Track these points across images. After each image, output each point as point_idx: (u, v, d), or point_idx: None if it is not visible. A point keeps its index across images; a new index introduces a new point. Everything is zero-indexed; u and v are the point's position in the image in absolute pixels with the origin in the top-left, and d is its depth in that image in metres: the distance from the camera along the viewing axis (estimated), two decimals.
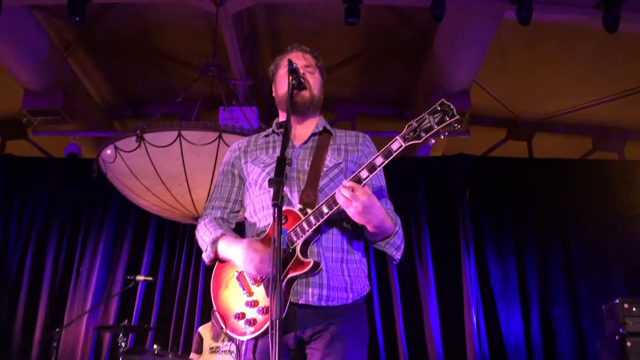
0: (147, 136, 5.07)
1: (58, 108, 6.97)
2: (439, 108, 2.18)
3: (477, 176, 7.68)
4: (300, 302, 2.21)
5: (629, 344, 5.29)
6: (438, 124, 2.17)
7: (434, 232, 7.44)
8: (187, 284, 7.27)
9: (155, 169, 5.21)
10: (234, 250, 2.30)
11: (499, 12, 5.77)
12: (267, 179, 2.38)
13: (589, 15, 5.87)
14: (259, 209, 2.43)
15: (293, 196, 2.33)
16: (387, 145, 2.20)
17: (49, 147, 8.32)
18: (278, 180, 2.01)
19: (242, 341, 2.33)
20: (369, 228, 2.25)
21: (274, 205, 1.97)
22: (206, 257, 2.43)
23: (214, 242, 2.38)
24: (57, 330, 5.29)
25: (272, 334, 1.83)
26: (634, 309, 5.45)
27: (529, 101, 7.59)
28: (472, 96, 6.91)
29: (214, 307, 2.38)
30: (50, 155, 8.34)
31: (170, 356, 5.28)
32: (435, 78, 6.79)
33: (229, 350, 5.57)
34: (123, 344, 5.05)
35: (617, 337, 5.44)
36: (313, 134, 2.50)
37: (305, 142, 2.48)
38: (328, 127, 2.54)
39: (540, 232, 7.48)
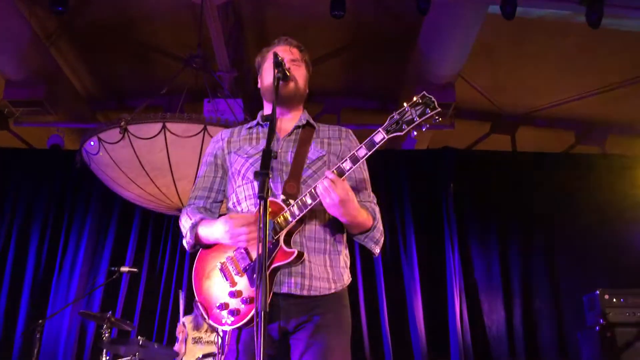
0: (131, 128, 5.04)
1: (40, 99, 6.89)
2: (420, 101, 2.21)
3: (461, 169, 7.74)
4: (282, 292, 2.23)
5: (609, 334, 5.38)
6: (419, 116, 2.20)
7: (418, 225, 7.49)
8: (172, 275, 7.25)
9: (140, 160, 5.19)
10: (214, 228, 2.32)
11: (484, 6, 5.80)
12: (251, 169, 2.41)
13: (573, 11, 5.92)
14: (242, 199, 2.44)
15: (276, 187, 2.34)
16: (370, 137, 2.23)
17: (31, 138, 8.23)
18: (264, 173, 2.03)
19: (225, 331, 2.34)
20: (342, 221, 2.29)
21: (260, 197, 1.98)
22: (186, 243, 2.45)
23: (194, 227, 2.39)
24: (40, 321, 5.25)
25: (257, 324, 1.85)
26: (614, 300, 5.55)
27: (513, 95, 7.65)
28: (456, 90, 6.95)
29: (196, 298, 2.38)
30: (33, 146, 8.26)
31: (155, 346, 5.28)
32: (420, 71, 6.82)
33: (213, 341, 5.58)
34: (107, 334, 5.04)
35: (597, 328, 5.53)
36: (296, 127, 2.52)
37: (289, 135, 2.50)
38: (311, 121, 2.57)
39: (523, 225, 7.56)
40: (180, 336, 5.65)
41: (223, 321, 2.26)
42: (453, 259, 7.24)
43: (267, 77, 2.55)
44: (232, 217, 2.28)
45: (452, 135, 7.73)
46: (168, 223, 7.48)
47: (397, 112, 2.22)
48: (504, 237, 7.52)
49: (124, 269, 5.50)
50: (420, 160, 7.87)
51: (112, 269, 5.51)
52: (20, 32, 6.31)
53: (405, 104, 2.22)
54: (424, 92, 2.22)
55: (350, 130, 2.62)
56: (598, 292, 5.67)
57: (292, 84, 2.49)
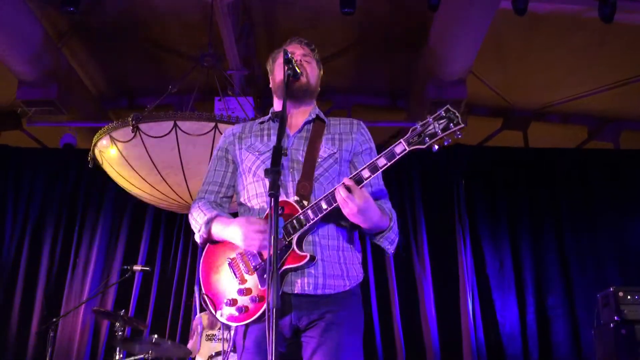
0: (143, 126, 5.05)
1: (53, 98, 6.93)
2: (444, 114, 2.19)
3: (472, 166, 7.71)
4: (295, 292, 2.22)
5: (623, 331, 5.34)
6: (442, 130, 2.18)
7: (430, 222, 7.47)
8: (184, 273, 7.28)
9: (151, 159, 5.20)
10: (230, 229, 2.30)
11: (495, 1, 5.76)
12: (262, 167, 2.40)
13: (585, 5, 5.87)
14: (252, 197, 2.43)
15: (288, 186, 2.33)
16: (391, 148, 2.20)
17: (44, 137, 8.30)
18: (275, 170, 2.01)
19: (232, 327, 2.34)
20: (363, 227, 2.28)
21: (271, 195, 1.97)
22: (199, 237, 2.43)
23: (209, 222, 2.38)
24: (54, 320, 5.28)
25: (269, 320, 1.83)
26: (628, 297, 5.50)
27: (525, 91, 7.60)
28: (467, 86, 6.90)
29: (203, 291, 2.38)
30: (46, 145, 8.32)
31: (169, 343, 5.29)
32: (431, 68, 6.78)
33: (226, 339, 5.59)
34: (120, 333, 5.06)
35: (611, 325, 5.48)
36: (306, 122, 2.50)
37: (299, 131, 2.48)
38: (322, 115, 2.55)
39: (536, 222, 7.51)
40: (194, 333, 5.67)
41: (231, 317, 2.26)
42: (465, 256, 7.21)
43: (278, 74, 2.55)
44: (250, 222, 2.26)
45: (464, 132, 7.66)
46: (180, 221, 7.51)
47: (420, 124, 2.19)
48: (516, 234, 7.48)
49: (137, 267, 5.52)
50: (431, 156, 7.83)
51: (125, 267, 5.54)
52: (32, 33, 6.35)
53: (428, 117, 2.20)
54: (448, 105, 2.20)
55: (362, 122, 2.60)
56: (612, 289, 5.63)
57: (303, 79, 2.48)
